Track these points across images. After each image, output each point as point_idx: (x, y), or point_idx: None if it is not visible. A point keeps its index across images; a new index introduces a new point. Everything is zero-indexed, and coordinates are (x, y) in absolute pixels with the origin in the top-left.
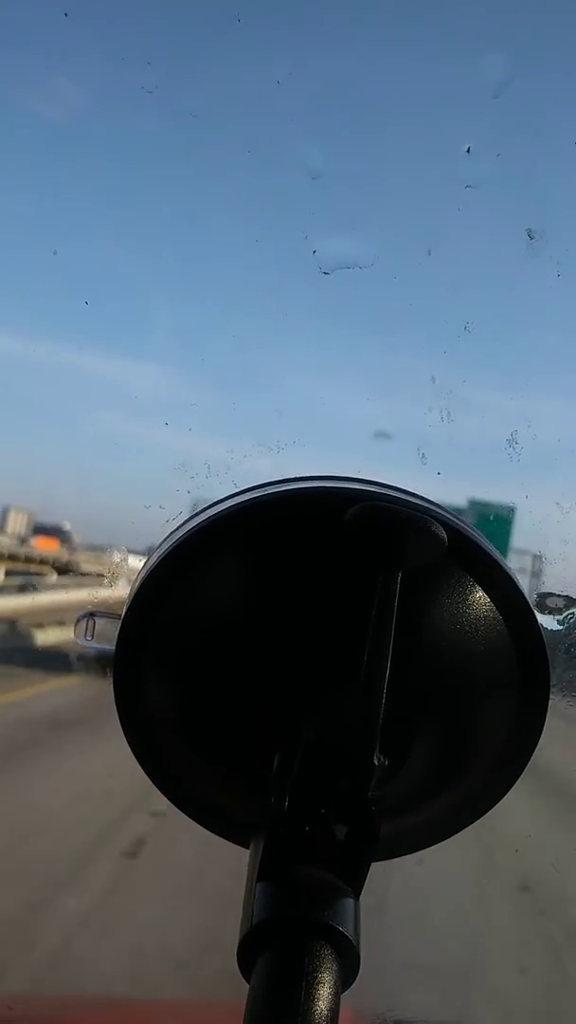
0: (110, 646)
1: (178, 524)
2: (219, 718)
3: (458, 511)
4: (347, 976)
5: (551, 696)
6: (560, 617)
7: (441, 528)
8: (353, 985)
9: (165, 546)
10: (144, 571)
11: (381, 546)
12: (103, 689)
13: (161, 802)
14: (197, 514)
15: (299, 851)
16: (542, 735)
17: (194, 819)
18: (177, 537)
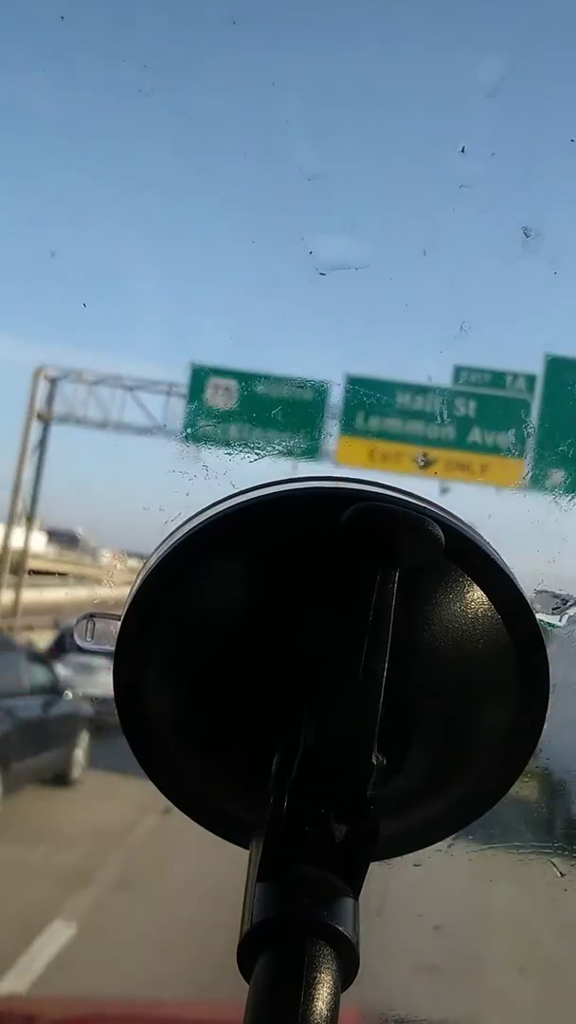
0: (110, 647)
1: (177, 525)
2: (218, 718)
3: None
4: (347, 976)
5: None
6: (558, 616)
7: (438, 528)
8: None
9: (164, 547)
10: (144, 572)
11: (378, 546)
12: None
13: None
14: (196, 515)
15: (299, 851)
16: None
17: (194, 819)
18: (176, 538)
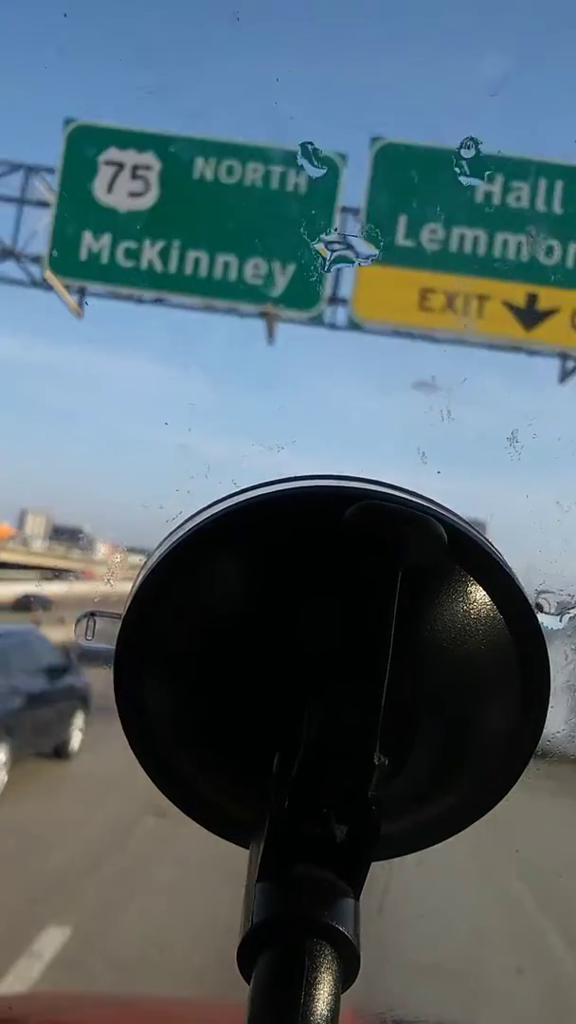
0: (110, 645)
1: (178, 524)
2: (219, 717)
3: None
4: (347, 976)
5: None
6: (559, 617)
7: (441, 527)
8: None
9: (165, 546)
10: (144, 570)
11: (381, 545)
12: None
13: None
14: (197, 514)
15: (299, 851)
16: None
17: (194, 819)
18: (177, 537)
